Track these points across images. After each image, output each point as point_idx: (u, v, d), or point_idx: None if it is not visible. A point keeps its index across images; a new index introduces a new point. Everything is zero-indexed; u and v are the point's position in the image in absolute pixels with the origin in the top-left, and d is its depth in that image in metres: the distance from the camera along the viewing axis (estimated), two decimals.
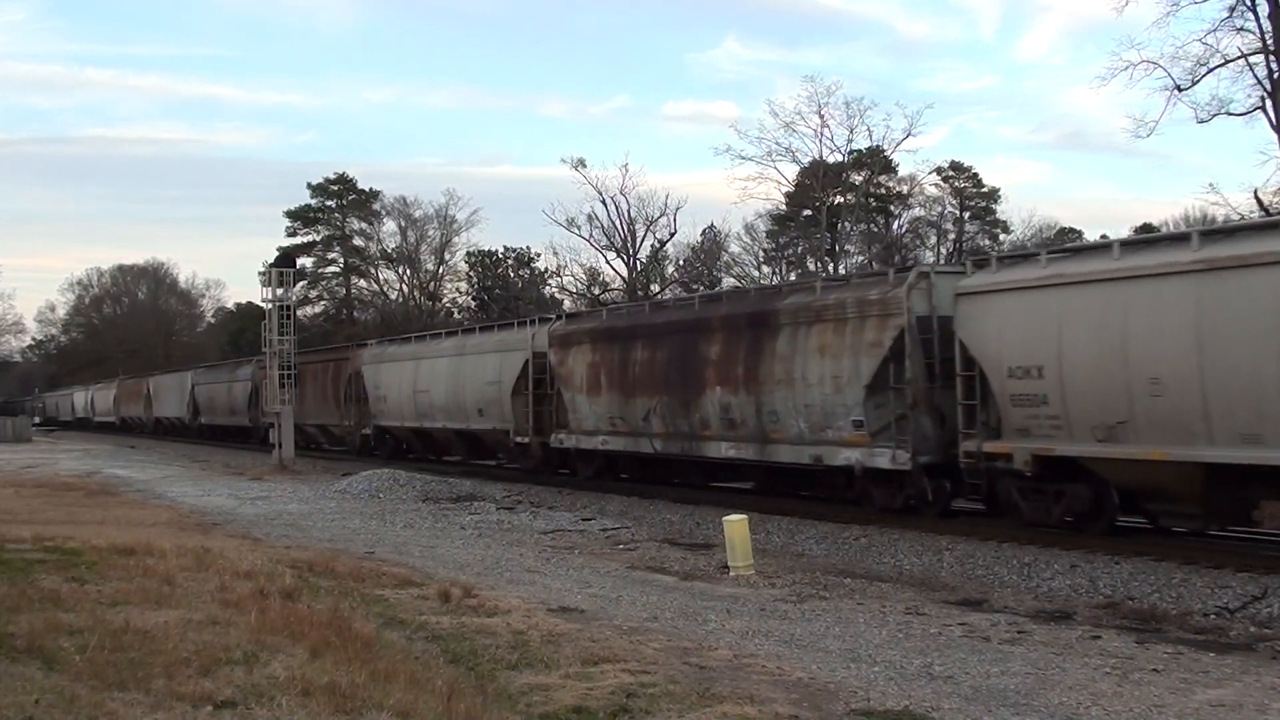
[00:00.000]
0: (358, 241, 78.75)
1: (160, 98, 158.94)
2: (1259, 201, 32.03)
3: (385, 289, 78.29)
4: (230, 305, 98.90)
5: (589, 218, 59.40)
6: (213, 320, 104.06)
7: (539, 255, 68.03)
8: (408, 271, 76.37)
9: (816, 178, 53.72)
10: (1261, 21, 31.47)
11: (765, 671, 8.33)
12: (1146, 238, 18.86)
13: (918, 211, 64.26)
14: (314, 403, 40.47)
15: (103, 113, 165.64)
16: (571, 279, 64.02)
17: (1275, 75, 31.58)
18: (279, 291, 36.34)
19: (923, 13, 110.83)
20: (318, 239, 79.27)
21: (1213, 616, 11.44)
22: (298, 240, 78.30)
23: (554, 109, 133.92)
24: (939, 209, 64.82)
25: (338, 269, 79.24)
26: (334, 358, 40.62)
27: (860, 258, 56.53)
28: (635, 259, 60.38)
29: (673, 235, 59.88)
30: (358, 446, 37.21)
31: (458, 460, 33.54)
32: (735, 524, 14.23)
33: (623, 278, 60.66)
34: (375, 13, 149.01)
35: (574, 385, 24.76)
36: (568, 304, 61.49)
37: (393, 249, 76.94)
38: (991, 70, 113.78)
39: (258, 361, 44.73)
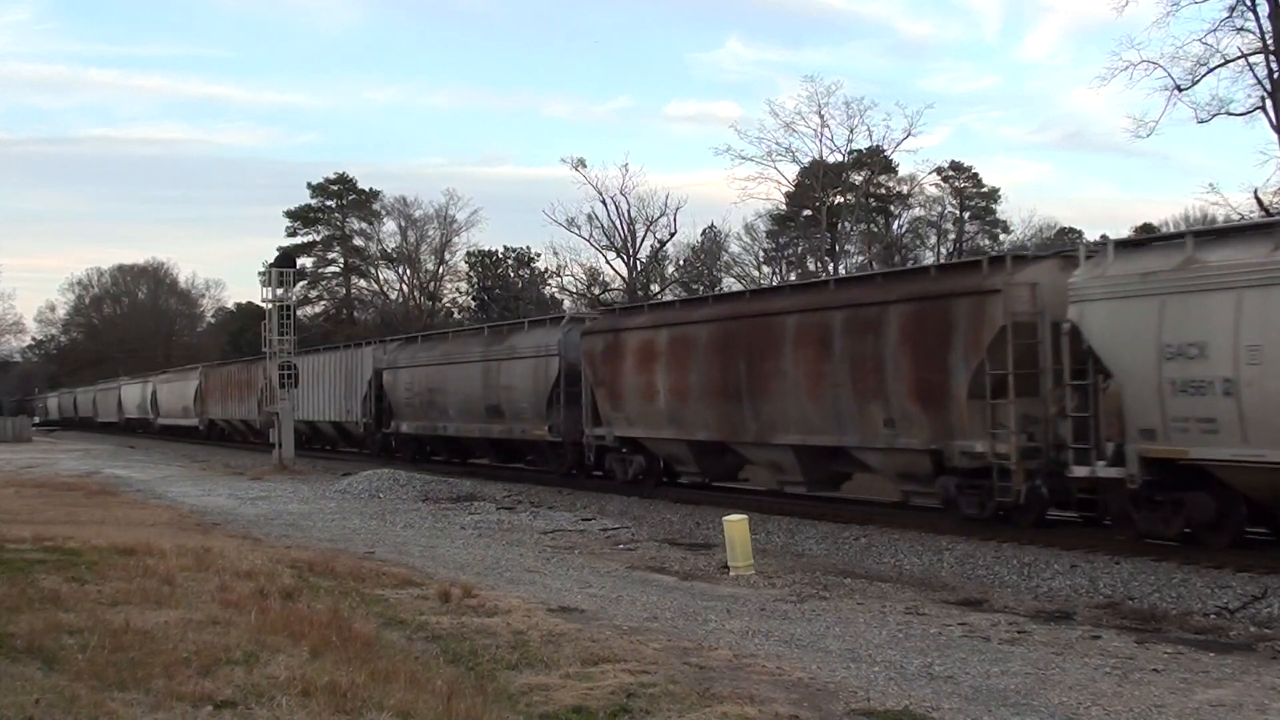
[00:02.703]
0: (358, 241, 78.83)
1: (162, 98, 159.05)
2: (1259, 202, 32.00)
3: (385, 289, 78.35)
4: (230, 305, 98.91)
5: (589, 218, 59.39)
6: (213, 320, 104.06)
7: (539, 255, 68.01)
8: (408, 271, 76.40)
9: (816, 178, 53.69)
10: (1261, 21, 31.43)
11: (765, 671, 8.33)
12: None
13: (918, 211, 64.27)
14: (802, 396, 18.49)
15: (105, 113, 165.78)
16: (571, 279, 64.03)
17: (1275, 75, 31.54)
18: (279, 291, 36.39)
19: (925, 13, 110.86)
20: (318, 239, 79.30)
21: (1213, 616, 11.45)
22: (298, 240, 78.37)
23: (556, 109, 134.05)
24: (939, 209, 64.82)
25: (338, 269, 79.25)
26: (904, 296, 17.14)
27: (860, 258, 56.52)
28: (635, 259, 60.33)
29: (673, 235, 59.87)
30: (1017, 498, 15.50)
31: None
32: (735, 524, 14.23)
33: (623, 278, 60.64)
34: (377, 13, 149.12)
35: None
36: (567, 304, 61.50)
37: (393, 249, 77.02)
38: (994, 70, 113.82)
39: (571, 322, 26.70)
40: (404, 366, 33.50)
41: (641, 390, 22.47)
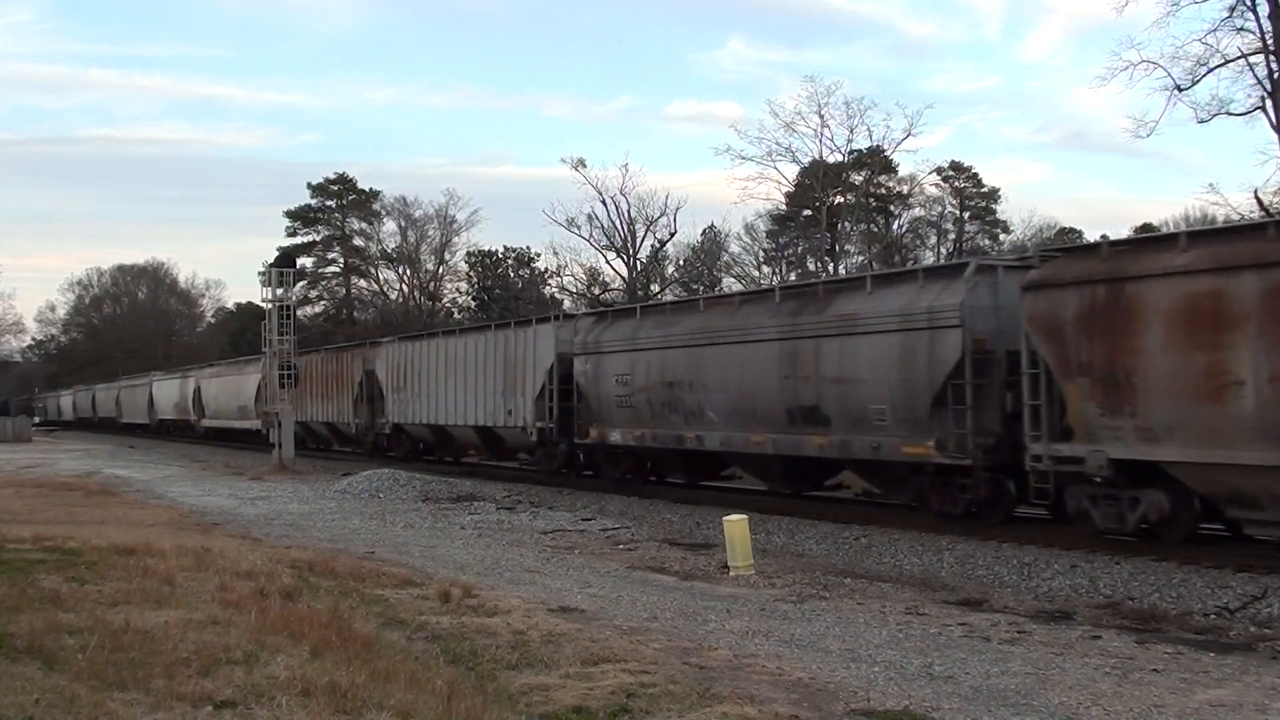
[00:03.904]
0: (358, 241, 78.93)
1: (164, 98, 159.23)
2: (1259, 202, 32.01)
3: (385, 289, 78.39)
4: (230, 305, 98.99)
5: (589, 218, 59.43)
6: (213, 320, 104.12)
7: (539, 255, 68.09)
8: (408, 271, 76.43)
9: (816, 178, 53.67)
10: (1261, 21, 31.44)
11: (765, 671, 8.33)
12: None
13: (918, 211, 64.33)
14: None
15: (106, 113, 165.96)
16: (571, 279, 64.07)
17: (1275, 75, 31.55)
18: (279, 291, 36.41)
19: (927, 13, 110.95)
20: (318, 239, 79.39)
21: (1213, 616, 11.44)
22: (298, 240, 78.50)
23: (557, 109, 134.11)
24: (939, 209, 64.86)
25: (338, 269, 79.32)
26: None
27: (860, 258, 56.52)
28: (635, 259, 60.37)
29: (673, 235, 59.91)
30: None
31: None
32: (735, 524, 14.23)
33: (623, 278, 60.66)
34: (378, 13, 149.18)
35: None
36: (567, 304, 61.55)
37: (393, 249, 77.08)
38: (995, 70, 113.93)
39: (982, 272, 16.64)
40: (615, 350, 23.58)
41: (1190, 381, 13.18)
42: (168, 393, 60.35)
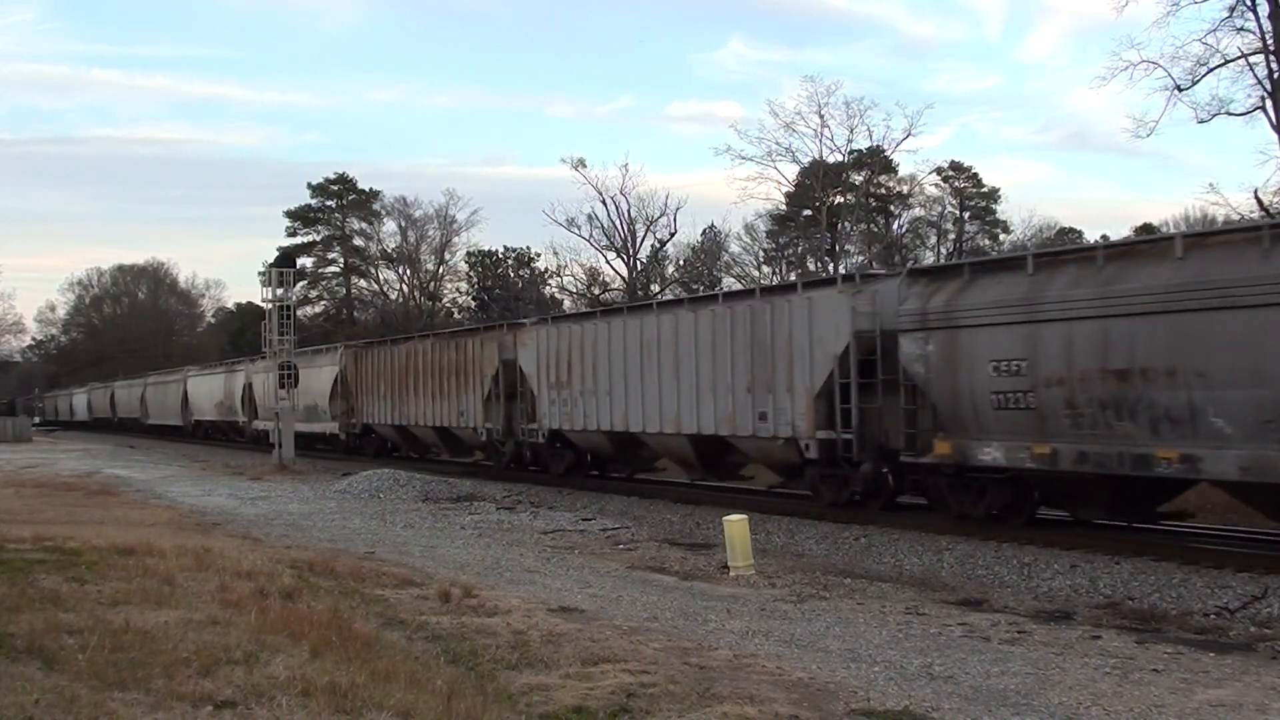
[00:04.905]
0: (358, 241, 78.87)
1: (165, 98, 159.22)
2: (1259, 202, 31.98)
3: (385, 289, 78.35)
4: (230, 305, 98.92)
5: (589, 218, 59.40)
6: (213, 320, 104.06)
7: (539, 255, 68.05)
8: (408, 271, 76.38)
9: (816, 178, 53.63)
10: (1261, 21, 31.37)
11: (765, 671, 8.33)
12: None
13: (918, 211, 64.26)
14: None
15: (108, 113, 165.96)
16: (571, 279, 64.04)
17: (1275, 75, 31.50)
18: (279, 291, 36.44)
19: (927, 13, 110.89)
20: (318, 239, 79.36)
21: (1213, 616, 11.45)
22: (298, 240, 78.46)
23: (559, 110, 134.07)
24: (939, 209, 64.81)
25: (338, 269, 79.29)
26: None
27: (860, 258, 56.49)
28: (635, 259, 60.37)
29: (673, 235, 59.87)
30: None
31: None
32: (735, 524, 14.23)
33: (623, 278, 60.65)
34: (380, 13, 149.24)
35: None
36: (568, 304, 61.54)
37: (393, 249, 77.04)
38: (996, 71, 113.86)
39: None
40: (989, 321, 15.29)
41: None
42: (207, 390, 50.97)
